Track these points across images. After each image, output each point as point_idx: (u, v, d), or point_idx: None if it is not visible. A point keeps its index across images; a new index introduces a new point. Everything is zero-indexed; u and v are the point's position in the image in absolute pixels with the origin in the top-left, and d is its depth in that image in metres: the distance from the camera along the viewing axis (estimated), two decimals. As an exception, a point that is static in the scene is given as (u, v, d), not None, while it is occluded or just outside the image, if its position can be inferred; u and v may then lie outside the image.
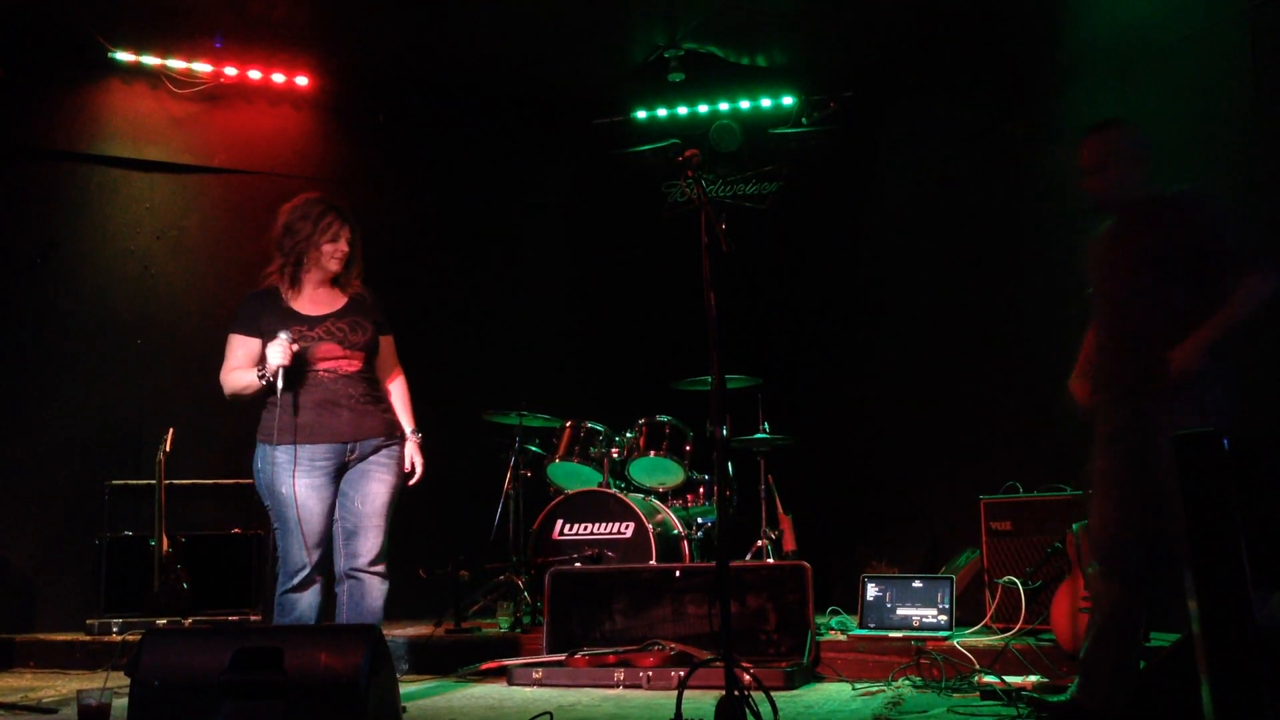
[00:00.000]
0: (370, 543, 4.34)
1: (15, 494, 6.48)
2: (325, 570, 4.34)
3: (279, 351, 4.18)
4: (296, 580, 4.26)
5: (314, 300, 4.44)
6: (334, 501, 4.34)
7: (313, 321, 4.36)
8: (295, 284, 4.42)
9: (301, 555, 4.24)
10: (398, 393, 4.63)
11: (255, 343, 4.31)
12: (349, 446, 4.34)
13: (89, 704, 3.41)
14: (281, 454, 4.24)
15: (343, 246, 4.42)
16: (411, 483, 4.54)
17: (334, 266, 4.43)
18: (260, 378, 4.23)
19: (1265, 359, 4.90)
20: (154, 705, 3.16)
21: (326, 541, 4.32)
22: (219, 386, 4.40)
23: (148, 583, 6.00)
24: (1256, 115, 4.99)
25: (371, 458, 4.38)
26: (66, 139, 6.84)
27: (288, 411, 4.24)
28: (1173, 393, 3.46)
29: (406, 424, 4.58)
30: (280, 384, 4.18)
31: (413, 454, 4.53)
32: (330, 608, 4.40)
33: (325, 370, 4.32)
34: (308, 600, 4.28)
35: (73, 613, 6.24)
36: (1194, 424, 3.25)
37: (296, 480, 4.22)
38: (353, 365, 4.39)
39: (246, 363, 4.30)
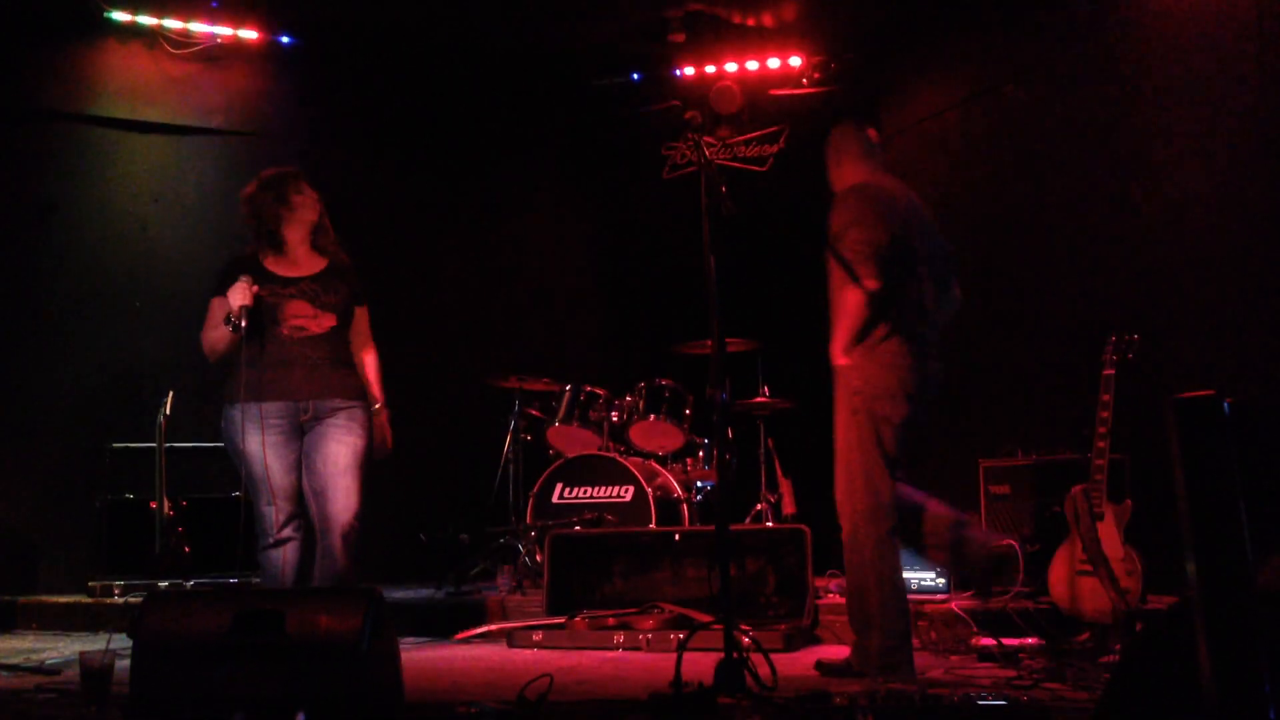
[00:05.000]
0: (339, 505, 4.27)
1: (16, 456, 6.49)
2: (304, 529, 4.35)
3: (239, 292, 4.20)
4: (269, 538, 4.30)
5: (294, 260, 4.44)
6: (297, 460, 4.34)
7: (286, 281, 4.36)
8: (277, 248, 4.43)
9: (269, 512, 4.27)
10: (369, 364, 4.55)
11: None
12: (301, 406, 4.30)
13: (91, 665, 3.42)
14: (238, 412, 4.26)
15: (310, 194, 4.43)
16: (379, 457, 4.47)
17: (311, 215, 4.43)
18: (227, 323, 4.23)
19: (1264, 322, 4.90)
20: (156, 666, 3.18)
21: (297, 500, 4.33)
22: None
23: (149, 545, 6.02)
24: (1260, 73, 4.95)
25: (330, 420, 4.33)
26: (63, 100, 6.80)
27: (247, 370, 4.24)
28: (839, 374, 4.03)
29: (375, 398, 4.52)
30: (244, 324, 4.18)
31: (382, 429, 4.49)
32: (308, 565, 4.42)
33: (290, 329, 4.30)
34: (283, 558, 4.29)
35: (75, 575, 6.28)
36: (844, 402, 3.98)
37: (255, 437, 4.24)
38: (322, 325, 4.35)
39: (220, 321, 4.31)
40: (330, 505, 4.28)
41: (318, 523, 4.32)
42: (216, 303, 4.35)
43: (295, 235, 4.44)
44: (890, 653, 3.84)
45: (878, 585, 3.88)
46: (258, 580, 6.01)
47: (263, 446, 4.24)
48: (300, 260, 4.45)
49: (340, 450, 4.31)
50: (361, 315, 4.56)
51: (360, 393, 4.44)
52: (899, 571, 3.96)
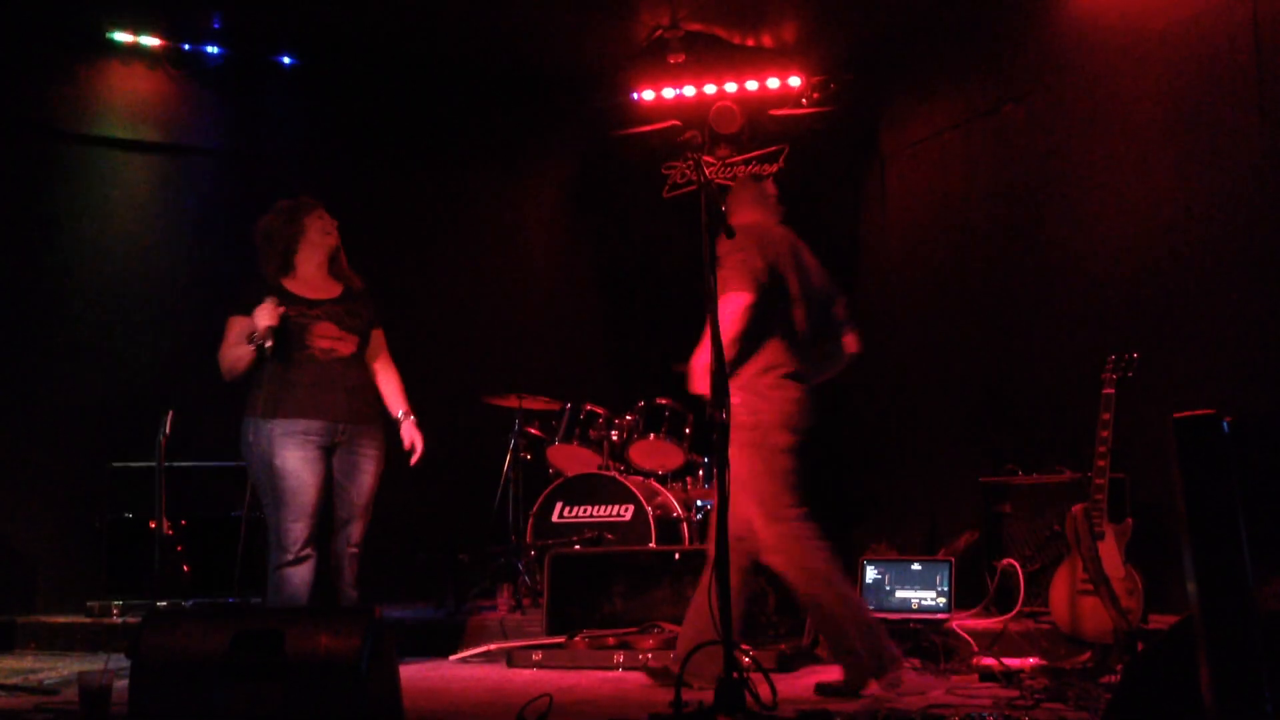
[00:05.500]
0: (360, 529, 4.52)
1: (16, 476, 6.47)
2: (320, 546, 4.40)
3: (266, 313, 4.26)
4: (292, 555, 4.31)
5: (312, 284, 4.53)
6: (326, 476, 4.40)
7: (313, 303, 4.45)
8: (295, 273, 4.52)
9: (295, 529, 4.30)
10: (391, 379, 4.74)
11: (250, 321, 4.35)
12: (340, 427, 4.42)
13: (90, 685, 3.41)
14: (277, 428, 4.29)
15: (330, 221, 4.55)
16: (413, 462, 4.69)
17: (332, 239, 4.55)
18: (250, 342, 4.25)
19: (1263, 341, 4.90)
20: (155, 686, 3.17)
21: (320, 516, 4.38)
22: (219, 368, 4.47)
23: (148, 565, 6.00)
24: (1259, 96, 4.97)
25: (359, 449, 4.46)
26: (65, 120, 6.82)
27: (283, 387, 4.30)
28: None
29: (401, 406, 4.71)
30: (269, 345, 4.22)
31: (412, 434, 4.67)
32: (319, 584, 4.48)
33: (321, 350, 4.38)
34: (303, 575, 4.33)
35: (74, 594, 6.25)
36: (736, 441, 3.81)
37: (291, 453, 4.28)
38: (348, 348, 4.48)
39: (241, 339, 4.34)
40: (354, 533, 4.48)
41: (340, 546, 4.44)
42: (235, 320, 4.39)
43: (314, 261, 4.54)
44: (876, 648, 3.87)
45: (833, 591, 3.93)
46: (257, 600, 6.03)
47: (297, 462, 4.31)
48: (320, 285, 4.55)
49: (370, 481, 4.50)
50: (378, 336, 4.69)
51: (381, 417, 4.59)
52: (839, 569, 4.03)
